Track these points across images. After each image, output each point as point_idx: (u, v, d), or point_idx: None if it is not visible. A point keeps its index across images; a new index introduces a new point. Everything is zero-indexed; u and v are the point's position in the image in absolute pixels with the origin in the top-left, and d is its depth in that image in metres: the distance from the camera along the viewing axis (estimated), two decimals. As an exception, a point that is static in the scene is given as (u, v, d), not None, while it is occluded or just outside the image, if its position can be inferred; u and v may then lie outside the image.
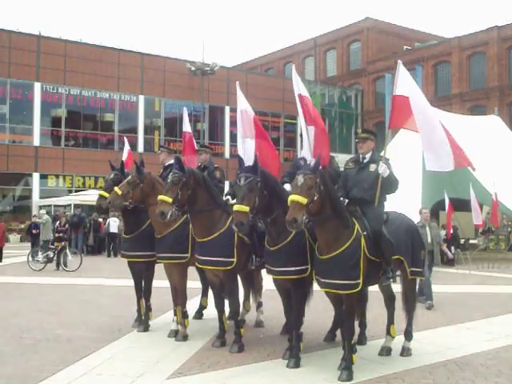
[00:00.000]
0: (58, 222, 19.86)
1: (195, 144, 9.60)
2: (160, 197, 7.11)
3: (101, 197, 8.69)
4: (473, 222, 19.92)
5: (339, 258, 6.14)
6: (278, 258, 6.72)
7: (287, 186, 7.38)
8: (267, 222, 6.75)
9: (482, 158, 22.55)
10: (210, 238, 7.39)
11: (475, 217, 19.31)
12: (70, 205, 31.90)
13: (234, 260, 7.32)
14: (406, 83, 7.14)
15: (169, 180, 7.20)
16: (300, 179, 5.95)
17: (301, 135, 7.51)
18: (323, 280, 6.30)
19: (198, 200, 7.36)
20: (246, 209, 6.30)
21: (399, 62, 7.26)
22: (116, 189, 8.02)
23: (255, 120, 7.95)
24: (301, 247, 6.69)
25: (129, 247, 8.75)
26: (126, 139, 12.28)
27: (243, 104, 8.14)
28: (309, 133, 7.23)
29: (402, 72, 7.19)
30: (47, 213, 23.66)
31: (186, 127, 9.64)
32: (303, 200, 5.80)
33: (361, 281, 6.17)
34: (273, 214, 6.63)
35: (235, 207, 6.39)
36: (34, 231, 22.23)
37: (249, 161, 7.03)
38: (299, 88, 7.35)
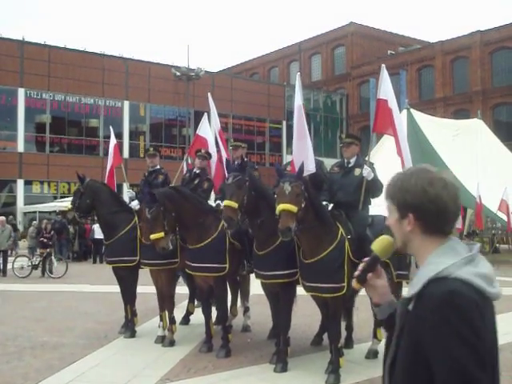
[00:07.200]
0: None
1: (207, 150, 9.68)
2: (152, 236, 7.14)
3: (69, 209, 9.20)
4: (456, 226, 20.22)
5: (323, 261, 6.17)
6: (268, 262, 6.73)
7: None
8: (255, 225, 6.76)
9: (466, 161, 22.88)
10: (201, 245, 7.37)
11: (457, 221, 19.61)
12: (55, 211, 31.62)
13: (227, 266, 7.32)
14: (387, 87, 7.29)
15: (149, 217, 7.22)
16: (287, 187, 5.93)
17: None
18: (308, 284, 6.33)
19: (186, 215, 7.35)
20: (235, 205, 6.32)
21: (383, 66, 7.42)
22: None
23: (220, 133, 8.02)
24: (289, 251, 6.69)
25: (110, 253, 8.86)
26: (111, 128, 11.44)
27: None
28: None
29: (386, 76, 7.34)
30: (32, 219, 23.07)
31: (204, 132, 9.95)
32: (293, 208, 5.81)
33: (345, 284, 6.20)
34: (261, 217, 6.64)
35: (224, 202, 6.41)
36: None
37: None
38: (300, 98, 7.39)
